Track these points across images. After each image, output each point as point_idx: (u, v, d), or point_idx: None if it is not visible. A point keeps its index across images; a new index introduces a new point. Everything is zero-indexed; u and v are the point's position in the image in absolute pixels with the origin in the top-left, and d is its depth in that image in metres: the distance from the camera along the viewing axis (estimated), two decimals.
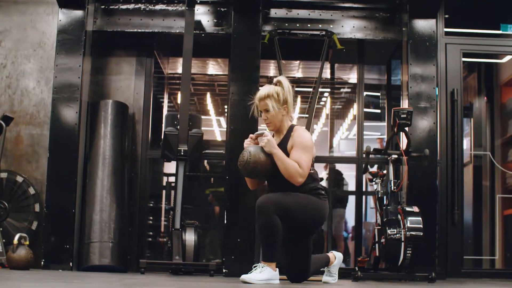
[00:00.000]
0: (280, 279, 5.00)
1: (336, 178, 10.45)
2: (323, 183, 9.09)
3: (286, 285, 4.91)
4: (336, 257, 5.59)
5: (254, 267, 4.95)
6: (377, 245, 6.50)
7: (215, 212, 10.36)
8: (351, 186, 9.56)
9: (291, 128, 5.12)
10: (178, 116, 7.05)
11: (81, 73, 7.29)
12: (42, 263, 6.97)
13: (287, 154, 4.98)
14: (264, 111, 5.10)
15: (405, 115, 6.49)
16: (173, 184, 7.63)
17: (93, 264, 6.97)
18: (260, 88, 5.38)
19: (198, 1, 7.48)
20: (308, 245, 5.23)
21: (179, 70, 9.09)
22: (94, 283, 4.42)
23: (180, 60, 7.94)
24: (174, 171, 7.12)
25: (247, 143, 5.11)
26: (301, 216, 5.01)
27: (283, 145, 5.04)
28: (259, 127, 5.40)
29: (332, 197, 10.22)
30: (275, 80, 5.17)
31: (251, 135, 5.14)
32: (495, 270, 8.17)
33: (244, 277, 4.86)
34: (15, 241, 6.66)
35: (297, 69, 10.45)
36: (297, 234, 5.17)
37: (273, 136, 5.15)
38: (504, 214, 8.48)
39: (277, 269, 4.97)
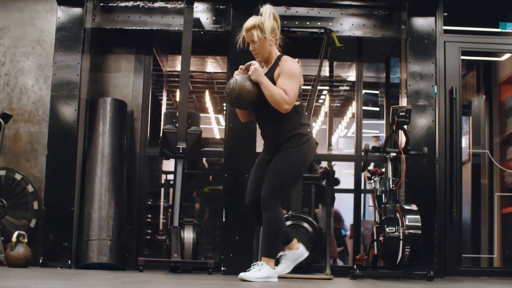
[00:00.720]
0: (284, 277, 5.00)
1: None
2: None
3: (285, 283, 4.92)
4: (299, 248, 5.40)
5: (253, 265, 4.96)
6: (375, 243, 6.50)
7: (195, 209, 10.34)
8: (350, 184, 9.55)
9: (279, 58, 5.17)
10: (177, 113, 7.05)
11: (79, 70, 7.29)
12: (41, 260, 6.97)
13: (274, 82, 5.02)
14: (251, 42, 5.15)
15: (403, 113, 6.48)
16: (171, 182, 7.63)
17: (92, 262, 6.97)
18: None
19: None
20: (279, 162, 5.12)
21: (178, 67, 9.08)
22: (93, 280, 4.42)
23: (179, 58, 7.94)
24: (172, 169, 7.12)
25: (237, 73, 5.13)
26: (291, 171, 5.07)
27: (270, 73, 5.08)
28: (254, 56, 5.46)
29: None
30: (261, 9, 5.20)
31: (241, 66, 5.18)
32: (493, 269, 8.16)
33: (242, 274, 4.86)
34: (14, 238, 6.66)
35: None
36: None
37: (262, 67, 5.18)
38: (502, 212, 8.48)
39: (276, 267, 4.98)
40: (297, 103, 5.07)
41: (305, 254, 5.45)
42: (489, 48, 8.16)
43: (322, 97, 12.13)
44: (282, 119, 5.02)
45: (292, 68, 5.06)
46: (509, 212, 8.37)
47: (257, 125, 5.26)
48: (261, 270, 4.89)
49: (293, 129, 5.05)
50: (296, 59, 9.93)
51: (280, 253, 5.36)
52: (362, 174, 7.84)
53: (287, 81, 4.98)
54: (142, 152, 7.84)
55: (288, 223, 6.45)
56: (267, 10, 5.15)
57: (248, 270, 4.92)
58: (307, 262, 6.08)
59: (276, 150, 5.07)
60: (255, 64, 5.01)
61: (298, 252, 5.40)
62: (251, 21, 5.13)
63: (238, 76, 5.03)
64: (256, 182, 5.16)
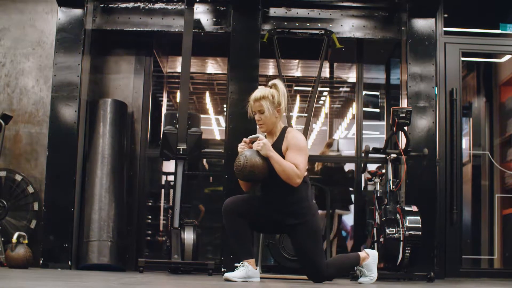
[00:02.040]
0: (289, 279, 5.02)
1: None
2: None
3: (285, 285, 4.91)
4: (370, 255, 5.35)
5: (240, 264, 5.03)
6: (376, 244, 6.50)
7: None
8: (350, 185, 9.56)
9: (284, 130, 5.14)
10: (177, 115, 7.05)
11: (80, 71, 7.29)
12: (41, 261, 6.97)
13: (282, 156, 5.00)
14: (258, 112, 5.11)
15: (404, 115, 6.49)
16: (172, 183, 7.63)
17: (92, 262, 6.97)
18: (258, 87, 5.38)
19: (197, 0, 7.48)
20: (314, 245, 5.14)
21: (178, 69, 9.09)
22: (93, 281, 4.42)
23: (179, 59, 7.95)
24: (173, 170, 7.12)
25: (241, 147, 5.12)
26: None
27: (277, 146, 5.05)
28: (258, 126, 5.40)
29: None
30: (270, 83, 5.19)
31: (244, 139, 5.15)
32: (493, 270, 8.17)
33: (227, 275, 4.98)
34: (14, 239, 6.66)
35: (296, 68, 10.45)
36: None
37: (265, 137, 5.17)
38: (503, 213, 8.49)
39: (258, 267, 5.06)
40: (305, 173, 5.10)
41: (374, 252, 5.42)
42: (489, 49, 8.16)
43: (323, 98, 12.14)
44: (291, 190, 5.04)
45: (300, 142, 5.05)
46: (509, 213, 8.37)
47: (262, 192, 5.25)
48: (240, 270, 4.99)
49: (302, 201, 5.07)
50: (296, 60, 10.01)
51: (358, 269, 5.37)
52: (363, 175, 7.84)
53: (296, 155, 4.98)
54: (143, 153, 7.84)
55: None
56: (280, 85, 5.16)
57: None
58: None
59: (278, 215, 5.08)
60: (263, 139, 4.99)
61: (371, 259, 5.34)
62: (261, 92, 5.12)
63: (247, 152, 4.99)
64: (251, 216, 5.14)
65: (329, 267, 5.05)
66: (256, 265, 5.16)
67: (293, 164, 4.93)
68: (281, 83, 5.18)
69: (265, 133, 5.23)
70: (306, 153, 5.06)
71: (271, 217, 5.10)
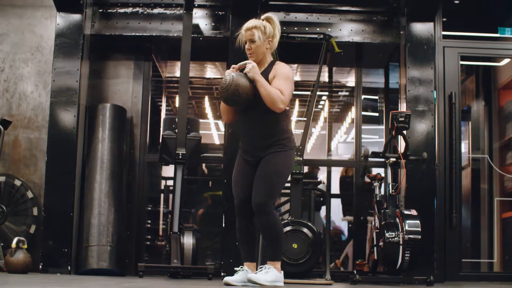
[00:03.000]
0: (285, 283, 5.01)
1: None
2: (322, 186, 9.10)
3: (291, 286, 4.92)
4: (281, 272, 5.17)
5: (260, 268, 4.99)
6: (375, 248, 6.50)
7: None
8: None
9: (273, 62, 5.23)
10: (176, 119, 7.05)
11: (79, 76, 7.29)
12: (40, 266, 6.97)
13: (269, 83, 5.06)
14: (249, 41, 5.17)
15: (403, 118, 6.49)
16: (171, 188, 7.63)
17: (92, 267, 6.97)
18: None
19: (196, 5, 7.49)
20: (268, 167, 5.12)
21: (177, 73, 9.09)
22: (93, 286, 4.42)
23: (178, 64, 7.95)
24: (172, 175, 7.12)
25: (229, 71, 5.14)
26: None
27: (264, 75, 5.11)
28: (248, 56, 5.45)
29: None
30: (263, 16, 5.27)
31: (233, 65, 5.20)
32: (493, 273, 8.16)
33: (251, 276, 4.89)
34: (13, 244, 6.66)
35: (295, 73, 10.45)
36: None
37: None
38: (502, 217, 8.48)
39: (282, 271, 5.01)
40: (287, 107, 5.12)
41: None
42: (488, 53, 8.16)
43: (322, 102, 12.13)
44: (272, 121, 5.06)
45: (288, 72, 5.14)
46: (508, 217, 8.37)
47: (242, 128, 5.23)
48: (268, 273, 4.92)
49: (282, 133, 5.08)
50: (295, 65, 10.01)
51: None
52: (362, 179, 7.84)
53: (283, 83, 5.03)
54: (142, 158, 7.84)
55: (288, 228, 6.45)
56: (271, 15, 5.24)
57: (256, 273, 4.95)
58: (307, 267, 6.09)
59: (260, 153, 5.08)
60: (252, 62, 5.03)
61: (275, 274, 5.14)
62: (253, 21, 5.20)
63: (233, 73, 5.04)
64: (249, 186, 5.14)
65: (273, 213, 4.98)
66: (256, 269, 5.15)
67: (278, 90, 4.97)
68: (276, 17, 5.26)
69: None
70: (292, 83, 5.12)
71: (255, 158, 5.11)
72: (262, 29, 5.14)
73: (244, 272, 5.02)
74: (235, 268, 5.14)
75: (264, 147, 5.06)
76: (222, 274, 6.92)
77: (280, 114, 5.05)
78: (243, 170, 5.20)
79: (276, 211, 5.11)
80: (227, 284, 4.95)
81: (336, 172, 10.30)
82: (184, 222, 7.05)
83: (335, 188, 9.86)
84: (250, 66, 5.01)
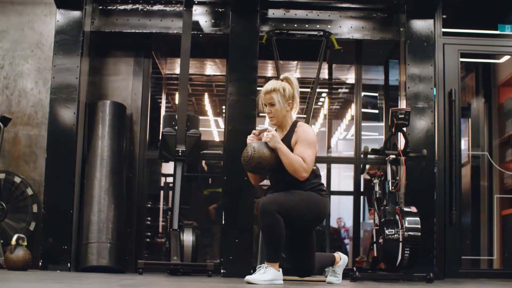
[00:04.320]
0: (284, 280, 5.01)
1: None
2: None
3: (290, 286, 4.92)
4: (341, 258, 5.58)
5: (258, 267, 4.97)
6: (375, 245, 6.50)
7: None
8: (349, 186, 9.56)
9: (294, 124, 5.17)
10: (176, 116, 7.05)
11: (79, 73, 7.29)
12: (40, 264, 6.97)
13: (291, 149, 5.02)
14: (268, 105, 5.13)
15: (403, 116, 6.49)
16: (171, 185, 7.63)
17: (91, 264, 6.97)
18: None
19: (196, 2, 7.49)
20: (311, 240, 5.28)
21: (177, 70, 9.09)
22: (93, 283, 4.42)
23: (178, 61, 7.95)
24: (172, 172, 7.12)
25: (250, 138, 5.13)
26: (304, 213, 5.05)
27: (286, 140, 5.08)
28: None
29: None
30: (282, 76, 5.24)
31: (254, 131, 5.17)
32: (493, 270, 8.17)
33: (248, 277, 4.88)
34: (13, 242, 6.66)
35: (295, 70, 10.45)
36: (300, 231, 5.21)
37: (275, 131, 5.18)
38: (502, 214, 8.49)
39: (281, 269, 5.00)
40: (314, 167, 5.11)
41: (345, 257, 5.68)
42: (488, 50, 8.17)
43: (321, 99, 12.13)
44: (300, 183, 5.07)
45: (310, 136, 5.08)
46: (508, 214, 8.37)
47: (270, 181, 5.29)
48: (266, 273, 4.90)
49: (311, 185, 5.11)
50: (295, 62, 10.01)
51: (328, 269, 5.57)
52: (362, 176, 7.84)
53: (305, 149, 5.00)
54: (142, 155, 7.84)
55: None
56: (292, 79, 5.20)
57: (254, 273, 4.94)
58: None
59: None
60: (271, 130, 5.00)
61: (342, 262, 5.61)
62: (272, 84, 5.14)
63: (255, 143, 4.99)
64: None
65: (275, 214, 4.96)
66: (257, 265, 5.15)
67: (301, 158, 4.95)
68: (294, 78, 5.21)
69: (275, 127, 5.24)
70: (315, 147, 5.09)
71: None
72: (281, 92, 5.09)
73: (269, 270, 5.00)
74: (257, 267, 5.08)
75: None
76: (222, 271, 6.93)
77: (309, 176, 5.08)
78: None
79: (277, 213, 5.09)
80: (249, 282, 4.86)
81: (336, 169, 10.32)
82: (184, 219, 7.05)
83: (335, 186, 9.88)
84: (270, 135, 4.96)
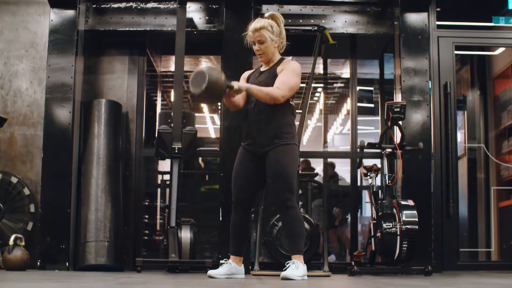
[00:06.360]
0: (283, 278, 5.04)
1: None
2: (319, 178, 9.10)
3: (284, 280, 4.92)
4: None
5: (287, 263, 5.05)
6: (373, 239, 6.51)
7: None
8: (346, 180, 9.57)
9: (282, 59, 5.31)
10: (172, 114, 7.05)
11: (73, 72, 7.28)
12: (38, 263, 6.97)
13: (275, 77, 5.14)
14: (257, 42, 5.23)
15: (398, 109, 6.50)
16: (168, 182, 7.63)
17: (90, 263, 6.96)
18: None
19: None
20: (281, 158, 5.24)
21: (172, 68, 9.07)
22: (91, 282, 4.42)
23: (173, 58, 7.94)
24: (168, 169, 7.12)
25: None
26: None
27: (271, 70, 5.22)
28: (257, 57, 5.51)
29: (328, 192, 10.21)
30: (267, 14, 5.33)
31: None
32: (491, 262, 8.18)
33: (284, 273, 4.94)
34: (11, 242, 6.66)
35: None
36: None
37: (263, 67, 5.34)
38: (499, 206, 8.50)
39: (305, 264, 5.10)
40: (292, 103, 5.15)
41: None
42: (482, 42, 8.18)
43: (317, 94, 12.13)
44: (278, 114, 5.13)
45: (295, 67, 5.21)
46: (505, 206, 8.39)
47: (248, 121, 5.28)
48: (298, 268, 5.00)
49: (287, 127, 5.13)
50: (290, 57, 9.98)
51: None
52: (358, 170, 7.84)
53: (288, 75, 5.12)
54: (138, 153, 7.84)
55: None
56: (275, 13, 5.31)
57: (285, 269, 5.01)
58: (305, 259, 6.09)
59: (267, 143, 5.11)
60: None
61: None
62: (260, 21, 5.23)
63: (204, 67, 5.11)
64: (250, 183, 5.21)
65: (296, 207, 5.13)
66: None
67: (281, 80, 5.07)
68: (279, 14, 5.34)
69: (263, 63, 5.35)
70: (298, 77, 5.19)
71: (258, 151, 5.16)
72: (270, 29, 5.20)
73: (228, 265, 5.14)
74: (221, 261, 5.21)
75: (271, 137, 5.13)
76: None
77: (286, 108, 5.15)
78: (246, 165, 5.24)
79: (297, 204, 5.19)
80: (210, 276, 5.07)
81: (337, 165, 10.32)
82: (181, 216, 7.04)
83: (342, 180, 9.89)
84: (237, 86, 5.07)
